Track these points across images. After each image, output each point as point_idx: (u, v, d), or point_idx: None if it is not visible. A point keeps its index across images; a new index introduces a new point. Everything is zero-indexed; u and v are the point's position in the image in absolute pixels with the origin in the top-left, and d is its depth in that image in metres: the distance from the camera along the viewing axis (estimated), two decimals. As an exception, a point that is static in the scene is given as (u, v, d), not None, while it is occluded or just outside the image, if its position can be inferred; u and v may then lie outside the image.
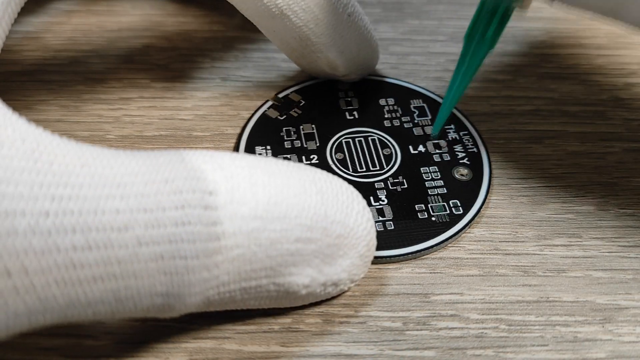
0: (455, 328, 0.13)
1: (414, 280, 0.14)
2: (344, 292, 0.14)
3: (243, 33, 0.21)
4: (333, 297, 0.14)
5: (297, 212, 0.11)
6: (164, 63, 0.19)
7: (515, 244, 0.15)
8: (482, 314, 0.13)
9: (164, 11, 0.21)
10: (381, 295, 0.14)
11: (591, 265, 0.14)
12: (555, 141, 0.17)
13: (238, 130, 0.17)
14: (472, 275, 0.14)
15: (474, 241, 0.15)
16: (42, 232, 0.09)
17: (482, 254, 0.15)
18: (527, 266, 0.14)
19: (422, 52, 0.20)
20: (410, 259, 0.14)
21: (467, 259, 0.15)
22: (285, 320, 0.13)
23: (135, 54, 0.20)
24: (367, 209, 0.12)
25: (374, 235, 0.13)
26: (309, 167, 0.12)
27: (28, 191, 0.09)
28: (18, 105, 0.18)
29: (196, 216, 0.10)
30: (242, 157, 0.11)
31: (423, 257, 0.15)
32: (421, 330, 0.13)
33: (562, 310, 0.14)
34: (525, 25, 0.21)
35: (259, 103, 0.18)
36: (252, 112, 0.18)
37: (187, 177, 0.10)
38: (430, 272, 0.14)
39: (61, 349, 0.13)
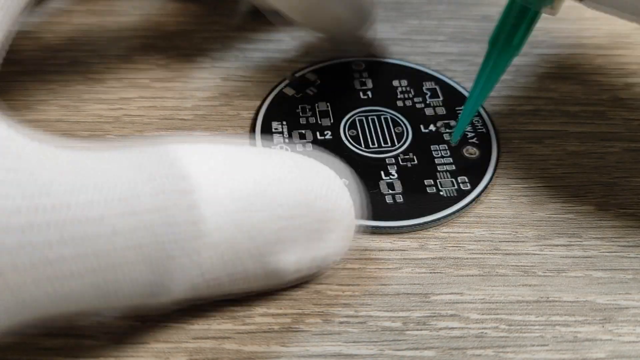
0: (455, 328, 0.13)
1: (414, 280, 0.14)
2: (360, 277, 0.14)
3: (243, 33, 0.21)
4: (333, 298, 0.14)
5: (277, 191, 0.11)
6: (164, 63, 0.19)
7: (515, 244, 0.15)
8: (482, 314, 0.13)
9: (164, 11, 0.21)
10: (381, 295, 0.14)
11: (591, 265, 0.14)
12: (555, 141, 0.17)
13: (239, 131, 0.17)
14: (472, 275, 0.14)
15: (474, 241, 0.15)
16: (14, 229, 0.09)
17: (482, 253, 0.15)
18: (527, 266, 0.14)
19: (422, 52, 0.20)
20: (418, 230, 0.15)
21: (467, 258, 0.15)
22: (285, 320, 0.13)
23: (135, 54, 0.20)
24: (345, 189, 0.12)
25: (353, 213, 0.13)
26: (287, 152, 0.13)
27: None
28: (18, 105, 0.18)
29: (173, 200, 0.10)
30: (220, 144, 0.11)
31: (429, 230, 0.15)
32: (421, 330, 0.13)
33: (562, 310, 0.14)
34: (525, 25, 0.21)
35: (259, 103, 0.18)
36: (268, 91, 0.18)
37: (160, 161, 0.10)
38: (430, 272, 0.14)
39: (60, 349, 0.13)
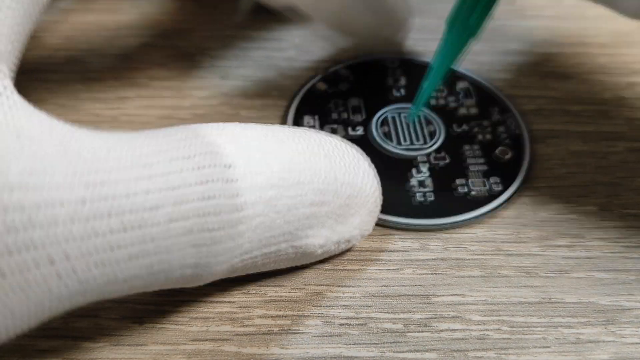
0: (457, 330, 0.13)
1: (415, 282, 0.14)
2: (361, 279, 0.14)
3: (242, 32, 0.21)
4: (334, 299, 0.13)
5: (310, 178, 0.12)
6: (162, 62, 0.19)
7: (517, 244, 0.15)
8: (484, 316, 0.13)
9: (163, 10, 0.21)
10: (382, 297, 0.14)
11: (594, 266, 0.14)
12: (557, 141, 0.17)
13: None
14: (474, 277, 0.14)
15: (476, 242, 0.15)
16: (81, 219, 0.09)
17: (483, 254, 0.15)
18: (530, 267, 0.14)
19: (423, 51, 0.20)
20: (449, 229, 0.15)
21: (468, 259, 0.14)
22: (285, 322, 0.13)
23: (133, 53, 0.19)
24: (372, 166, 0.13)
25: (379, 191, 0.13)
26: (314, 131, 0.13)
27: (63, 180, 0.09)
28: (15, 104, 0.17)
29: (219, 189, 0.10)
30: (251, 128, 0.12)
31: (456, 232, 0.15)
32: (422, 332, 0.13)
33: (564, 312, 0.13)
34: (527, 24, 0.21)
35: (259, 102, 0.18)
36: (299, 86, 0.18)
37: (205, 152, 0.11)
38: (432, 273, 0.14)
39: (58, 351, 0.12)
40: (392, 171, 0.16)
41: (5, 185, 0.09)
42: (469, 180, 0.16)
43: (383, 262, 0.14)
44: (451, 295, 0.14)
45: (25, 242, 0.09)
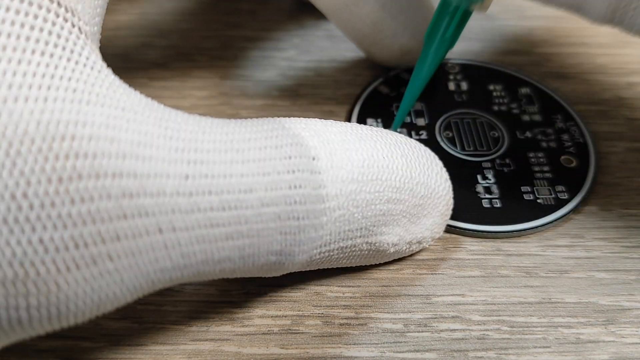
0: (457, 330, 0.13)
1: (415, 282, 0.14)
2: (360, 278, 0.14)
3: (242, 31, 0.21)
4: (334, 299, 0.13)
5: (387, 175, 0.12)
6: (162, 62, 0.19)
7: (517, 244, 0.15)
8: (484, 316, 0.13)
9: (162, 10, 0.21)
10: (382, 297, 0.14)
11: (594, 266, 0.14)
12: (557, 141, 0.17)
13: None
14: (474, 277, 0.14)
15: (476, 241, 0.15)
16: (185, 193, 0.10)
17: (484, 254, 0.15)
18: (530, 267, 0.14)
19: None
20: (515, 237, 0.15)
21: (468, 259, 0.14)
22: (285, 322, 0.13)
23: (133, 53, 0.19)
24: (444, 169, 0.13)
25: (451, 194, 0.13)
26: (389, 131, 0.13)
27: (167, 155, 0.10)
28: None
29: (305, 180, 0.11)
30: (332, 124, 0.12)
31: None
32: (422, 332, 0.13)
33: (564, 312, 0.13)
34: (527, 24, 0.21)
35: (259, 102, 0.18)
36: (361, 89, 0.18)
37: (292, 143, 0.11)
38: (432, 273, 0.14)
39: (58, 351, 0.12)
40: (458, 176, 0.15)
41: (119, 152, 0.09)
42: (535, 188, 0.15)
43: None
44: (451, 295, 0.14)
45: (138, 208, 0.09)
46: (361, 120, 0.17)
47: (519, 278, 0.14)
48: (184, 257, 0.10)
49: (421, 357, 0.13)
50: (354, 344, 0.13)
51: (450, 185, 0.13)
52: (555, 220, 0.15)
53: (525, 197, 0.15)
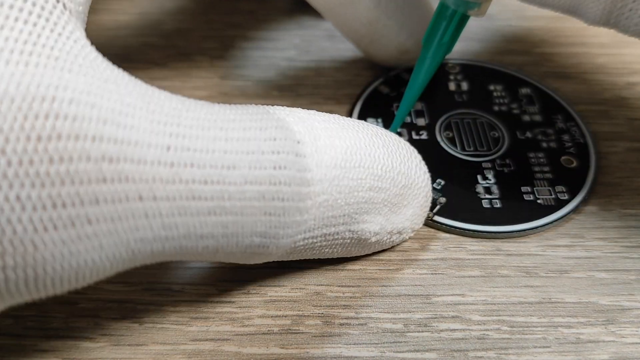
0: (457, 330, 0.13)
1: (415, 282, 0.14)
2: (360, 278, 0.14)
3: (242, 32, 0.21)
4: (334, 299, 0.13)
5: (370, 163, 0.12)
6: (162, 62, 0.19)
7: (517, 244, 0.15)
8: (484, 316, 0.13)
9: (162, 9, 0.21)
10: (382, 297, 0.14)
11: (594, 266, 0.14)
12: (557, 140, 0.17)
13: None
14: (474, 276, 0.14)
15: (476, 241, 0.15)
16: (167, 163, 0.10)
17: (483, 254, 0.15)
18: (530, 267, 0.14)
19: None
20: (515, 237, 0.15)
21: (468, 259, 0.14)
22: (285, 322, 0.13)
23: (133, 53, 0.19)
24: (423, 162, 0.14)
25: (430, 186, 0.14)
26: (369, 124, 0.13)
27: (149, 126, 0.10)
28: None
29: (290, 161, 0.11)
30: (316, 113, 0.12)
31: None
32: (422, 331, 0.13)
33: (564, 312, 0.13)
34: (527, 24, 0.21)
35: (259, 102, 0.18)
36: (362, 88, 0.18)
37: (277, 126, 0.11)
38: (432, 273, 0.14)
39: (58, 351, 0.12)
40: (458, 176, 0.16)
41: (100, 117, 0.09)
42: (535, 189, 0.15)
43: (383, 262, 0.14)
44: (451, 295, 0.14)
45: (118, 173, 0.09)
46: (361, 119, 0.17)
47: (519, 278, 0.14)
48: (165, 228, 0.10)
49: (421, 357, 0.13)
50: (354, 344, 0.13)
51: (429, 178, 0.14)
52: (556, 220, 0.15)
53: (526, 197, 0.15)
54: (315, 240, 0.12)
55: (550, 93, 0.18)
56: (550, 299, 0.14)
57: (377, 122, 0.17)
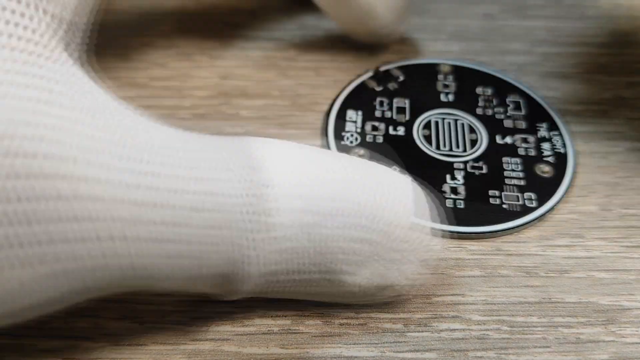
0: (457, 329, 0.13)
1: (415, 281, 0.14)
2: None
3: (242, 31, 0.21)
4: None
5: (355, 211, 0.11)
6: (162, 62, 0.19)
7: (517, 244, 0.15)
8: (484, 315, 0.13)
9: (163, 10, 0.21)
10: (382, 297, 0.14)
11: (594, 266, 0.14)
12: (557, 140, 0.17)
13: (237, 130, 0.17)
14: (474, 276, 0.14)
15: (476, 241, 0.15)
16: (130, 202, 0.09)
17: (483, 254, 0.15)
18: (530, 267, 0.14)
19: (423, 50, 0.20)
20: (474, 239, 0.15)
21: (468, 259, 0.14)
22: (285, 322, 0.13)
23: (133, 53, 0.19)
24: (428, 208, 0.12)
25: (435, 238, 0.12)
26: (367, 161, 0.12)
27: (115, 162, 0.09)
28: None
29: (249, 190, 0.10)
30: (299, 148, 0.11)
31: (483, 240, 0.15)
32: (422, 331, 0.13)
33: (564, 312, 0.13)
34: (527, 24, 0.21)
35: (259, 102, 0.18)
36: (349, 80, 0.19)
37: (240, 153, 0.11)
38: (432, 273, 0.14)
39: (58, 351, 0.12)
40: (427, 175, 0.16)
41: (62, 155, 0.09)
42: (503, 194, 0.15)
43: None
44: (451, 295, 0.14)
45: (74, 211, 0.09)
46: (342, 110, 0.17)
47: (519, 278, 0.14)
48: (127, 269, 0.10)
49: (421, 357, 0.13)
50: (354, 344, 0.13)
51: (427, 232, 0.12)
52: (518, 226, 0.15)
53: (492, 200, 0.15)
54: (284, 285, 0.11)
55: (540, 101, 0.18)
56: (550, 299, 0.14)
57: (357, 113, 0.17)
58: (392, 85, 0.18)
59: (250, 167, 0.11)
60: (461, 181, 0.16)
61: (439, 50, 0.20)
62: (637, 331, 0.13)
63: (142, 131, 0.10)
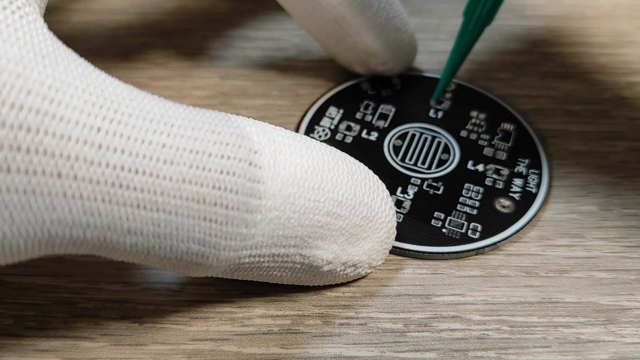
0: (457, 329, 0.13)
1: (415, 281, 0.14)
2: (360, 278, 0.14)
3: (242, 31, 0.21)
4: (334, 299, 0.13)
5: (330, 186, 0.12)
6: (162, 62, 0.19)
7: (517, 244, 0.15)
8: (484, 315, 0.13)
9: (162, 10, 0.21)
10: (382, 297, 0.14)
11: (594, 266, 0.14)
12: (557, 140, 0.17)
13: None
14: (474, 276, 0.14)
15: (402, 257, 0.15)
16: (94, 144, 0.09)
17: (483, 254, 0.15)
18: (530, 267, 0.14)
19: (423, 50, 0.20)
20: (398, 255, 0.14)
21: (468, 259, 0.14)
22: (285, 322, 0.13)
23: (133, 53, 0.19)
24: (390, 198, 0.13)
25: (394, 223, 0.13)
26: (339, 150, 0.13)
27: (82, 105, 0.09)
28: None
29: (241, 169, 0.10)
30: (281, 129, 0.12)
31: (410, 258, 0.14)
32: (422, 331, 0.13)
33: (564, 312, 0.13)
34: (527, 24, 0.21)
35: (259, 102, 0.18)
36: (343, 79, 0.19)
37: (233, 133, 0.11)
38: (432, 273, 0.14)
39: (58, 351, 0.12)
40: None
41: (24, 87, 0.09)
42: (448, 218, 0.15)
43: (383, 261, 0.14)
44: (451, 295, 0.14)
45: (36, 144, 0.09)
46: (324, 107, 0.18)
47: (519, 278, 0.14)
48: (87, 213, 0.09)
49: (421, 357, 0.13)
50: (354, 344, 0.13)
51: (395, 214, 0.13)
52: (445, 253, 0.14)
53: (434, 222, 0.15)
54: (262, 260, 0.11)
55: (533, 136, 0.17)
56: (550, 298, 0.14)
57: (337, 111, 0.17)
58: (385, 92, 0.18)
59: (237, 134, 0.11)
60: (410, 196, 0.15)
61: (438, 50, 0.20)
62: (637, 331, 0.13)
63: (117, 87, 0.10)
